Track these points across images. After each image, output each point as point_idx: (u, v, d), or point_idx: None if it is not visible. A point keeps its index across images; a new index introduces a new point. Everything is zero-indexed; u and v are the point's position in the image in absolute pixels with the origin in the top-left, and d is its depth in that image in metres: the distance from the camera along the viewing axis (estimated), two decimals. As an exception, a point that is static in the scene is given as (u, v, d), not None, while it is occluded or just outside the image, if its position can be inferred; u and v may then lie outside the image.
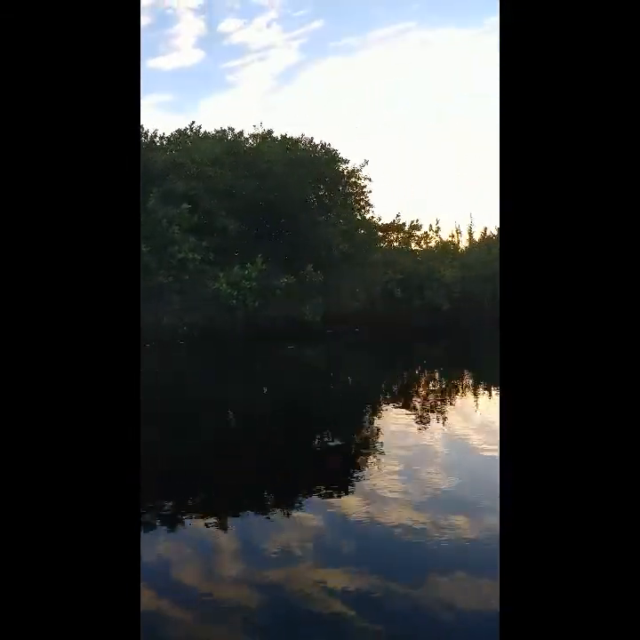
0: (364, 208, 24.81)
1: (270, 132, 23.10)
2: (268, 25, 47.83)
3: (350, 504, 4.86)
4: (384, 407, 9.70)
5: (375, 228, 24.45)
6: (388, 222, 25.45)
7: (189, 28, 46.98)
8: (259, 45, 48.41)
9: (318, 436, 7.78)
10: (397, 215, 25.63)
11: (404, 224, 25.41)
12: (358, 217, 24.37)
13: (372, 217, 25.13)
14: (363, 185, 24.70)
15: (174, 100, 45.29)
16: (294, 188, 20.45)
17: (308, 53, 49.91)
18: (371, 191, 24.70)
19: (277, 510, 4.96)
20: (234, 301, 17.75)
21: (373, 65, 48.01)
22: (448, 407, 9.46)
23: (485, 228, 26.41)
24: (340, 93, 51.31)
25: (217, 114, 48.50)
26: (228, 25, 47.69)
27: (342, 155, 23.49)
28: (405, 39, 46.36)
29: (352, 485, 5.43)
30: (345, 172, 24.10)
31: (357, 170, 24.42)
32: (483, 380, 12.53)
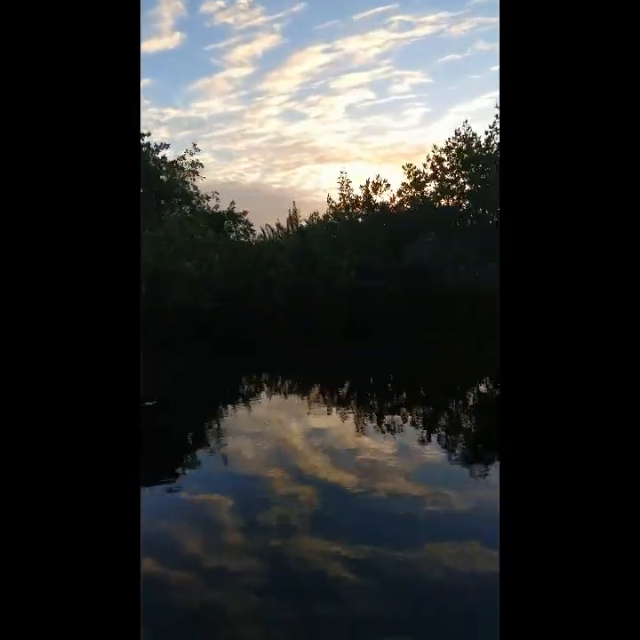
0: (181, 200, 22.42)
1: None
2: (251, 5, 44.88)
3: None
4: None
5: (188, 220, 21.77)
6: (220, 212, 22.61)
7: (170, 9, 43.77)
8: (243, 27, 45.06)
9: None
10: (232, 203, 22.72)
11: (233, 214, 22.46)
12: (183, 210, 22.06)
13: (203, 208, 22.61)
14: (185, 174, 22.42)
15: (154, 84, 42.78)
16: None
17: (290, 36, 46.44)
18: (204, 179, 22.75)
19: None
20: None
21: (357, 49, 44.24)
22: None
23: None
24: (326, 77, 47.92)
25: (200, 99, 46.01)
26: (209, 6, 45.31)
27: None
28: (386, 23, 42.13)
29: None
30: (159, 162, 21.90)
31: (176, 161, 22.20)
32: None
